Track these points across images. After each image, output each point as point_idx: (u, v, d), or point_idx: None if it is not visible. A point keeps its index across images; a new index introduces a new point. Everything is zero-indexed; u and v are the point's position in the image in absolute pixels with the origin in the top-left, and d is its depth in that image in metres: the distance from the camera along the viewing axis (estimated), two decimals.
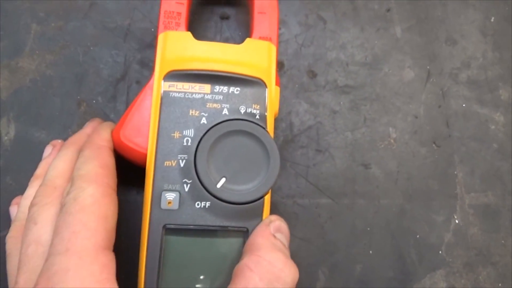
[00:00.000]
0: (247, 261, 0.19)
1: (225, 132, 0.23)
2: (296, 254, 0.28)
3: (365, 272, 0.29)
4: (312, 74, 0.32)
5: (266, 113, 0.24)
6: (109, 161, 0.22)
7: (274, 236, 0.20)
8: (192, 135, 0.23)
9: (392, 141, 0.32)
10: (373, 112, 0.32)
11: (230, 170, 0.22)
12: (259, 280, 0.18)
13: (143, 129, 0.23)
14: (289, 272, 0.19)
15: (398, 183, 0.31)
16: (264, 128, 0.23)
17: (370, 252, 0.29)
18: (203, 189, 0.22)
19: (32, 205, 0.20)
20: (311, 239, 0.29)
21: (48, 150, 0.26)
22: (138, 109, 0.24)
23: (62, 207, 0.19)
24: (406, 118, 0.32)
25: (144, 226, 0.22)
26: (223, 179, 0.22)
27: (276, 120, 0.31)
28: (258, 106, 0.24)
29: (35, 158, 0.26)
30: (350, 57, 0.33)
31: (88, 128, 0.24)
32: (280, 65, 0.32)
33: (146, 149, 0.23)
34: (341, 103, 0.32)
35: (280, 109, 0.31)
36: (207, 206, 0.22)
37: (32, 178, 0.23)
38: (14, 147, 0.27)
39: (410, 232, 0.30)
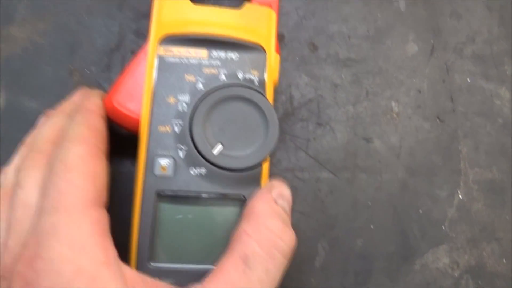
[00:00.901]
0: (246, 226, 0.18)
1: (222, 98, 0.21)
2: (295, 228, 0.26)
3: (366, 246, 0.27)
4: (313, 47, 0.30)
5: (265, 80, 0.22)
6: (99, 124, 0.20)
7: (275, 202, 0.19)
8: (188, 101, 0.22)
9: (394, 115, 0.30)
10: (376, 86, 0.30)
11: (227, 137, 0.21)
12: (257, 246, 0.17)
13: (137, 94, 0.22)
14: (288, 240, 0.18)
15: (401, 158, 0.29)
16: (262, 94, 0.22)
17: (371, 226, 0.28)
18: (199, 155, 0.21)
19: (19, 170, 0.19)
20: (311, 213, 0.27)
21: (41, 120, 0.25)
22: (131, 74, 0.22)
23: (49, 169, 0.18)
24: (409, 92, 0.31)
25: (137, 193, 0.21)
26: (220, 146, 0.21)
27: (276, 93, 0.29)
28: (257, 72, 0.22)
29: (26, 128, 0.24)
30: (352, 30, 0.31)
31: (76, 96, 0.23)
32: (280, 37, 0.30)
33: (140, 115, 0.22)
34: (343, 76, 0.30)
35: (280, 82, 0.29)
36: (202, 173, 0.21)
37: (21, 146, 0.22)
38: (5, 117, 0.26)
39: (412, 207, 0.29)
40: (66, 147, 0.18)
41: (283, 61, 0.30)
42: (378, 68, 0.31)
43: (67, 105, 0.22)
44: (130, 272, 0.17)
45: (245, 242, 0.17)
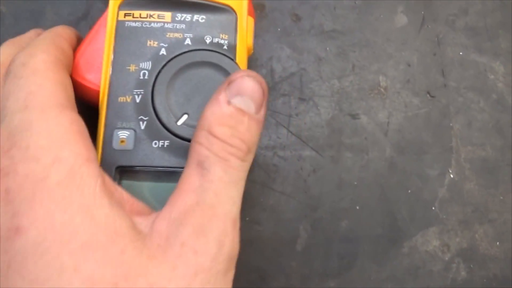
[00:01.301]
0: (196, 136, 0.16)
1: (187, 64, 0.19)
2: (275, 209, 0.25)
3: (351, 228, 0.25)
4: (296, 18, 0.28)
5: (235, 44, 0.20)
6: (66, 48, 0.19)
7: (228, 102, 0.16)
8: (149, 68, 0.19)
9: (382, 90, 0.28)
10: (362, 59, 0.28)
11: (193, 106, 0.19)
12: (208, 151, 0.16)
13: (96, 64, 0.20)
14: (235, 144, 0.16)
15: (389, 135, 0.27)
16: (232, 59, 0.20)
17: (357, 207, 0.26)
18: (161, 126, 0.19)
19: None
20: (293, 194, 0.25)
21: None
22: (90, 43, 0.20)
23: (8, 75, 0.16)
24: (398, 66, 0.29)
25: None
26: (185, 116, 0.19)
27: (256, 66, 0.27)
28: (226, 36, 0.20)
29: None
30: (338, 0, 0.29)
31: (31, 32, 0.21)
32: (260, 7, 0.28)
33: (99, 85, 0.20)
34: (327, 49, 0.28)
35: (260, 54, 0.27)
36: (165, 146, 0.19)
37: None
38: None
39: (401, 187, 0.27)
40: (28, 53, 0.17)
41: (263, 33, 0.28)
42: (365, 41, 0.29)
43: (20, 38, 0.20)
44: (107, 176, 0.16)
45: (197, 150, 0.16)
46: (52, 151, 0.14)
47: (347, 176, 0.26)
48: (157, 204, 0.18)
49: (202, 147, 0.16)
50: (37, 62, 0.16)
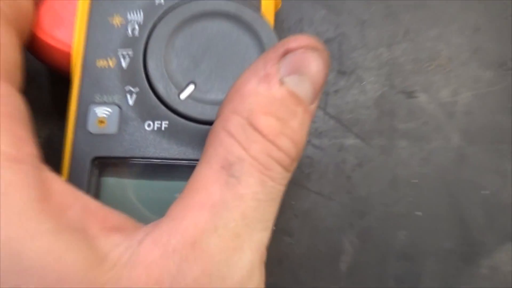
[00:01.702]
0: (225, 122, 0.12)
1: (193, 15, 0.15)
2: (311, 215, 0.21)
3: (411, 241, 0.21)
4: None
5: None
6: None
7: (280, 81, 0.12)
8: (141, 20, 0.15)
9: (444, 61, 0.24)
10: (417, 22, 0.24)
11: (202, 73, 0.15)
12: (243, 149, 0.12)
13: (67, 16, 0.15)
14: (283, 145, 0.12)
15: (455, 118, 0.23)
16: (256, 9, 0.15)
17: (418, 213, 0.22)
18: (158, 101, 0.14)
19: None
20: (333, 195, 0.21)
21: None
22: None
23: None
24: (463, 31, 0.24)
25: (64, 161, 0.14)
26: (191, 86, 0.14)
27: (281, 30, 0.23)
28: None
29: None
30: None
31: None
32: None
33: (71, 46, 0.15)
34: (373, 9, 0.24)
35: (286, 14, 0.23)
36: (163, 128, 0.14)
37: None
38: None
39: (473, 186, 0.22)
40: None
41: None
42: None
43: None
44: (57, 183, 0.11)
45: (225, 144, 0.12)
46: None
47: (403, 172, 0.22)
48: (149, 213, 0.14)
49: (235, 143, 0.12)
50: None
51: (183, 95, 0.14)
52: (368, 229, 0.21)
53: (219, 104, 0.14)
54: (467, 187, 0.22)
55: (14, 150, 0.10)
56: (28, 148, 0.11)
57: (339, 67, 0.23)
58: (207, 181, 0.12)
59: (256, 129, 0.12)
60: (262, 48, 0.15)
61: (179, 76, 0.14)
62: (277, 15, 0.21)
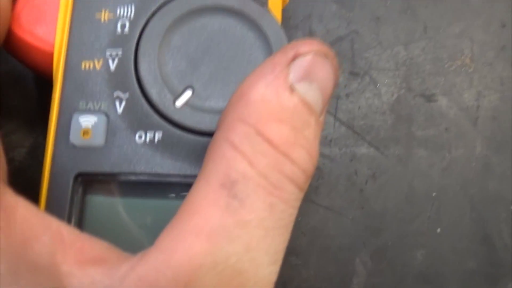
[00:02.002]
0: (228, 132, 0.11)
1: (191, 10, 0.14)
2: (320, 232, 0.20)
3: (431, 261, 0.20)
4: None
5: None
6: None
7: (290, 90, 0.11)
8: (131, 16, 0.14)
9: (467, 60, 0.23)
10: (438, 18, 0.23)
11: (200, 78, 0.14)
12: (249, 164, 0.11)
13: (49, 11, 0.15)
14: (298, 158, 0.11)
15: (479, 124, 0.22)
16: (262, 4, 0.14)
17: (438, 230, 0.21)
18: (151, 108, 0.13)
19: None
20: (344, 210, 0.21)
21: None
22: None
23: None
24: (489, 27, 0.23)
25: (44, 176, 0.13)
26: (188, 92, 0.13)
27: (288, 27, 0.22)
28: None
29: None
30: None
31: None
32: None
33: (53, 44, 0.14)
34: (388, 3, 0.23)
35: (293, 10, 0.23)
36: (156, 140, 0.13)
37: None
38: None
39: (500, 199, 0.21)
40: None
41: None
42: None
43: None
44: (23, 209, 0.10)
45: (228, 158, 0.11)
46: None
47: (422, 184, 0.21)
48: (140, 237, 0.13)
49: (239, 156, 0.11)
50: None
51: (179, 102, 0.13)
52: (383, 248, 0.20)
53: (220, 113, 0.13)
54: (492, 201, 0.22)
55: None
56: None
57: (351, 68, 0.22)
58: (204, 203, 0.11)
59: (265, 138, 0.11)
60: (269, 48, 0.14)
61: (175, 80, 0.13)
62: (284, 11, 0.20)
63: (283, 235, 0.11)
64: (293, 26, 0.22)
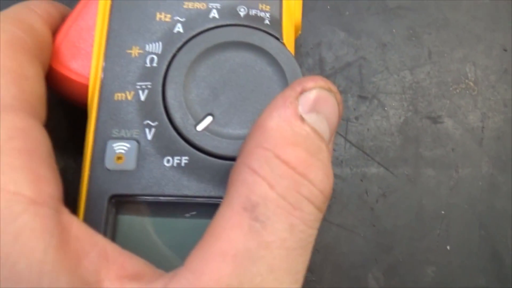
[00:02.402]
0: (248, 158, 0.12)
1: (213, 46, 0.15)
2: (333, 250, 0.21)
3: (441, 278, 0.21)
4: None
5: (280, 18, 0.16)
6: (38, 26, 0.15)
7: (301, 118, 0.12)
8: (159, 51, 0.15)
9: (471, 83, 0.24)
10: (441, 43, 0.24)
11: (220, 106, 0.15)
12: (269, 187, 0.11)
13: (84, 47, 0.16)
14: (315, 178, 0.12)
15: (485, 144, 0.23)
16: (278, 38, 0.16)
17: (448, 247, 0.21)
18: (177, 135, 0.15)
19: None
20: (356, 228, 0.21)
21: None
22: (77, 19, 0.16)
23: None
24: (491, 51, 0.24)
25: (81, 198, 0.14)
26: (209, 118, 0.15)
27: (300, 55, 0.23)
28: (268, 7, 0.16)
29: None
30: None
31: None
32: None
33: (88, 77, 0.16)
34: (394, 31, 0.24)
35: (304, 38, 0.23)
36: (183, 164, 0.14)
37: None
38: None
39: (506, 217, 0.22)
40: None
41: (309, 11, 0.23)
42: (443, 19, 0.24)
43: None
44: (76, 227, 0.11)
45: (249, 183, 0.11)
46: None
47: (431, 203, 0.22)
48: (169, 254, 0.14)
49: (259, 179, 0.11)
50: None
51: (200, 127, 0.14)
52: (394, 264, 0.21)
53: (236, 139, 0.14)
54: (500, 218, 0.22)
55: (33, 192, 0.11)
56: (49, 188, 0.11)
57: (360, 92, 0.23)
58: (228, 226, 0.11)
59: (283, 161, 0.12)
60: (285, 82, 0.15)
61: (197, 107, 0.15)
62: (295, 40, 0.21)
63: (303, 255, 0.11)
64: (304, 53, 0.23)
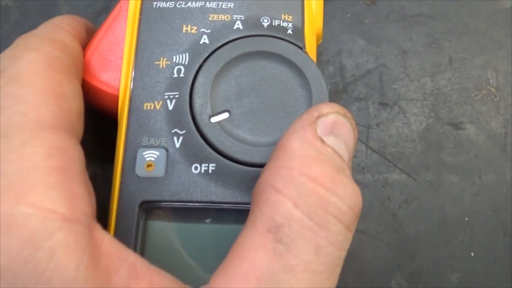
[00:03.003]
0: (272, 178, 0.12)
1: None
2: (356, 256, 0.21)
3: (466, 285, 0.20)
4: (370, 0, 0.25)
5: (303, 27, 0.16)
6: (70, 43, 0.15)
7: (322, 141, 0.12)
8: (186, 62, 0.16)
9: (493, 89, 0.23)
10: (462, 50, 0.24)
11: (241, 107, 0.16)
12: (294, 206, 0.11)
13: (114, 60, 0.17)
14: (344, 193, 0.11)
15: (508, 150, 0.22)
16: (301, 48, 0.16)
17: (472, 254, 0.21)
18: (204, 143, 0.15)
19: None
20: (378, 234, 0.21)
21: None
22: (106, 33, 0.17)
23: None
24: None
25: (112, 204, 0.15)
26: (225, 114, 0.15)
27: (320, 62, 0.23)
28: (291, 16, 0.17)
29: None
30: None
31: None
32: None
33: (118, 88, 0.16)
34: (414, 38, 0.24)
35: (324, 46, 0.24)
36: (210, 171, 0.15)
37: None
38: None
39: None
40: (11, 55, 0.14)
41: (329, 19, 0.24)
42: (463, 26, 0.24)
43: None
44: (107, 243, 0.11)
45: (272, 203, 0.11)
46: (4, 205, 0.10)
47: (454, 209, 0.21)
48: (197, 258, 0.14)
49: (283, 199, 0.11)
50: (22, 65, 0.13)
51: (214, 119, 0.15)
52: (418, 271, 0.21)
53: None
54: None
55: (67, 209, 0.11)
56: (82, 205, 0.11)
57: (381, 99, 0.23)
58: (252, 248, 0.11)
59: (310, 178, 0.11)
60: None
61: (219, 101, 0.15)
62: (317, 48, 0.21)
63: (330, 278, 0.11)
64: (325, 61, 0.23)
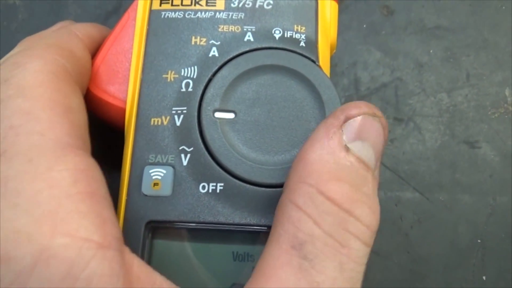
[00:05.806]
0: (292, 194, 0.12)
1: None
2: (367, 276, 0.20)
3: None
4: (388, 11, 0.24)
5: (316, 40, 0.15)
6: (79, 51, 0.14)
7: (346, 150, 0.12)
8: (195, 76, 0.15)
9: (510, 108, 0.23)
10: (480, 66, 0.23)
11: (248, 114, 0.15)
12: (315, 224, 0.11)
13: (121, 71, 0.16)
14: (361, 214, 0.11)
15: None
16: (314, 61, 0.15)
17: (484, 278, 0.20)
18: (213, 161, 0.14)
19: None
20: (390, 254, 0.20)
21: None
22: (113, 43, 0.16)
23: None
24: None
25: (119, 223, 0.14)
26: (230, 114, 0.15)
27: (334, 74, 0.22)
28: (304, 28, 0.16)
29: None
30: None
31: (58, 26, 0.17)
32: None
33: (125, 101, 0.15)
34: (431, 51, 0.23)
35: (339, 57, 0.23)
36: (218, 190, 0.14)
37: None
38: None
39: None
40: (14, 62, 0.13)
41: (344, 30, 0.23)
42: (482, 41, 0.23)
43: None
44: (136, 266, 0.11)
45: (294, 220, 0.11)
46: (35, 239, 0.10)
47: (467, 230, 0.21)
48: (204, 278, 0.13)
49: (304, 217, 0.11)
50: (26, 75, 0.12)
51: (218, 114, 0.14)
52: None
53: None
54: None
55: (100, 236, 0.10)
56: (112, 230, 0.11)
57: (396, 114, 0.22)
58: (278, 265, 0.11)
59: (327, 197, 0.11)
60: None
61: (229, 99, 0.14)
62: (330, 59, 0.21)
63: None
64: (339, 73, 0.22)
